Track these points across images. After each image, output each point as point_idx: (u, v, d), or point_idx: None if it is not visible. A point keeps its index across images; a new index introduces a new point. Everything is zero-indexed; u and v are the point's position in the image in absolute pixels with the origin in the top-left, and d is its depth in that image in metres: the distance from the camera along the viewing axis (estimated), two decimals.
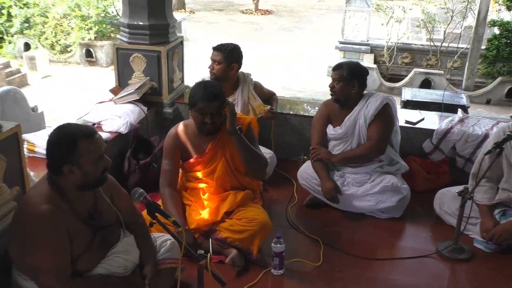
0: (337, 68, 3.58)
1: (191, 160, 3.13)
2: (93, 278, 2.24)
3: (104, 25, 10.34)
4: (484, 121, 4.15)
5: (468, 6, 9.66)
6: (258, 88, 4.09)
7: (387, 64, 9.98)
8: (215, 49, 3.85)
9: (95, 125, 3.88)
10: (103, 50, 10.07)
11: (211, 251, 2.61)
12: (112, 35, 10.41)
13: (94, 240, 2.26)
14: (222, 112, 2.96)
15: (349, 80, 3.53)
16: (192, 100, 2.94)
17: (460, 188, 3.11)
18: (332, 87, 3.59)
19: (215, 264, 2.78)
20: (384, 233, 3.48)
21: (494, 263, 3.14)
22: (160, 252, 2.53)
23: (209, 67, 3.88)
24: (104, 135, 3.69)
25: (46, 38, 10.18)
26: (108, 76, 8.75)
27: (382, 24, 10.05)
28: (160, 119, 4.49)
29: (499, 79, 8.98)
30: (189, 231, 2.95)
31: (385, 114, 3.58)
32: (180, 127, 3.14)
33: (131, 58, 4.32)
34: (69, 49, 10.30)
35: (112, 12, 10.77)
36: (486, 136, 3.84)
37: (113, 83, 4.49)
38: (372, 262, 3.14)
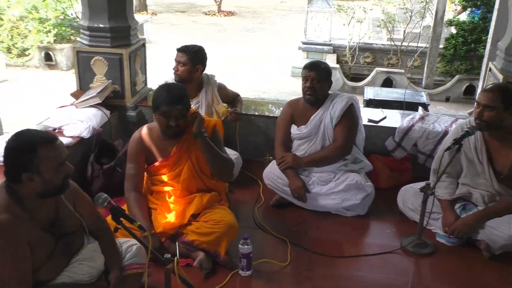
0: (317, 68, 3.57)
1: (156, 164, 3.10)
2: (57, 287, 2.19)
3: (63, 28, 10.10)
4: (444, 118, 4.25)
5: (426, 6, 9.87)
6: (222, 89, 4.08)
7: (350, 63, 10.11)
8: (180, 50, 3.82)
9: (56, 130, 3.80)
10: (63, 53, 9.84)
11: (178, 255, 2.59)
12: (72, 38, 10.18)
13: (57, 248, 2.21)
14: (186, 115, 2.94)
15: (328, 79, 3.61)
16: (156, 103, 2.90)
17: (422, 184, 3.19)
18: (311, 87, 3.58)
19: (183, 268, 2.76)
20: (349, 230, 3.53)
21: (456, 256, 3.23)
22: (126, 257, 2.49)
23: (173, 69, 3.85)
24: (65, 140, 3.62)
25: (2, 41, 9.87)
26: (69, 80, 8.55)
27: (344, 25, 10.17)
28: (123, 122, 4.43)
29: (457, 77, 9.22)
30: (155, 235, 2.92)
31: (350, 115, 3.63)
32: (144, 130, 3.10)
33: (92, 61, 4.25)
34: (27, 53, 10.02)
35: (72, 14, 10.53)
36: (445, 133, 3.94)
37: (74, 87, 4.40)
38: (339, 260, 3.18)
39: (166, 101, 2.85)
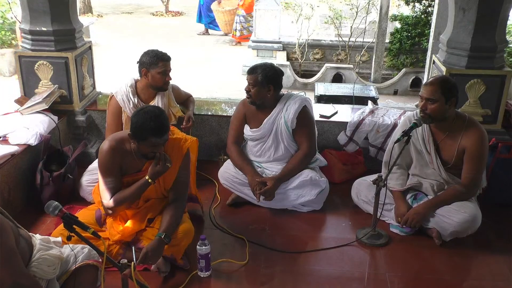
0: (252, 72, 3.58)
1: (125, 178, 2.97)
2: None
3: (3, 32, 9.74)
4: (393, 111, 4.36)
5: (370, 2, 10.09)
6: (175, 90, 4.02)
7: (300, 60, 10.20)
8: (168, 59, 3.65)
9: (1, 139, 3.67)
10: (5, 59, 9.47)
11: (134, 260, 2.55)
12: (13, 42, 9.83)
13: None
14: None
15: (264, 84, 3.55)
16: (141, 134, 2.74)
17: (374, 176, 3.25)
18: (248, 90, 3.61)
19: (140, 272, 2.73)
20: (306, 226, 3.57)
21: (409, 245, 3.33)
22: (81, 258, 2.44)
23: (167, 79, 3.66)
24: (11, 148, 3.51)
25: None
26: (12, 86, 8.25)
27: (292, 22, 10.25)
28: (72, 127, 4.32)
29: (403, 70, 9.46)
30: None
31: (307, 118, 3.67)
32: (114, 142, 2.92)
33: (36, 66, 4.12)
34: None
35: (11, 18, 10.15)
36: (395, 125, 4.04)
37: (18, 93, 4.25)
38: (297, 256, 3.21)
39: (155, 132, 2.73)
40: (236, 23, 11.83)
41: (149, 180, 2.86)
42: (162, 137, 2.77)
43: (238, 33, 11.88)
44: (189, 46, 11.97)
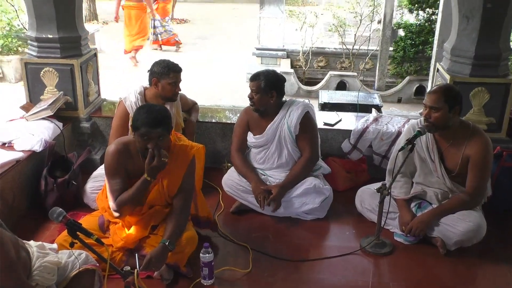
0: (254, 78, 3.60)
1: (131, 182, 2.95)
2: None
3: (10, 39, 9.81)
4: (397, 119, 4.36)
5: (374, 10, 10.11)
6: (182, 99, 4.04)
7: (304, 68, 10.22)
8: (179, 71, 3.68)
9: (6, 145, 3.69)
10: (11, 65, 9.53)
11: (138, 267, 2.55)
12: (19, 49, 9.89)
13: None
14: (167, 137, 2.86)
15: (267, 90, 3.57)
16: (135, 124, 2.78)
17: (378, 185, 3.24)
18: (251, 97, 3.62)
19: (143, 280, 2.72)
20: (310, 234, 3.56)
21: (413, 254, 3.31)
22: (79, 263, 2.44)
23: (176, 90, 3.70)
24: (16, 155, 3.52)
25: None
26: (18, 92, 8.28)
27: (296, 30, 10.28)
28: (77, 134, 4.34)
29: (407, 78, 9.46)
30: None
31: (309, 124, 3.68)
32: (120, 145, 2.94)
33: (41, 72, 4.15)
34: None
35: (18, 25, 10.22)
36: (399, 133, 4.03)
37: (23, 100, 4.28)
38: (300, 264, 3.19)
39: (146, 122, 2.74)
40: (152, 27, 11.68)
41: (148, 178, 2.84)
42: (154, 128, 2.74)
43: (155, 37, 11.77)
44: (193, 53, 12.02)
